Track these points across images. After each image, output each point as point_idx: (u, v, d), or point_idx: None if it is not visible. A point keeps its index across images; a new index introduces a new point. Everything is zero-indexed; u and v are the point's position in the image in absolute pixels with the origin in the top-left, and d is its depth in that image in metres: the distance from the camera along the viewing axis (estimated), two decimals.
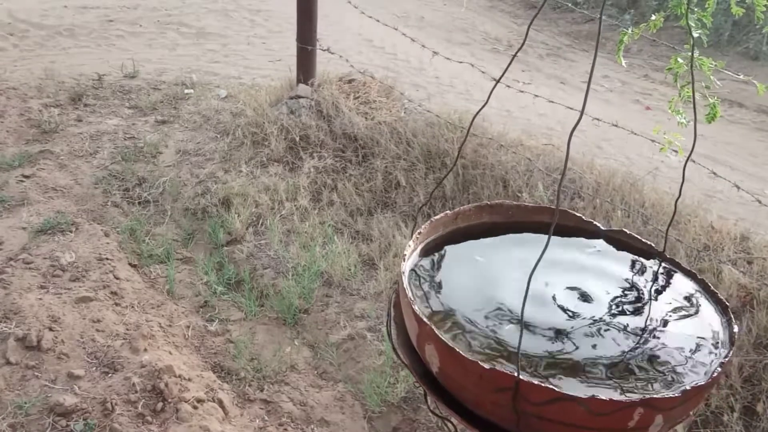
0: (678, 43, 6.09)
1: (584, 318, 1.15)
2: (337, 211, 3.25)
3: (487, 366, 0.95)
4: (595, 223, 1.35)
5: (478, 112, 1.17)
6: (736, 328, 1.09)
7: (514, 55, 1.07)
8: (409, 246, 1.23)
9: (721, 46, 6.52)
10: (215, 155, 3.67)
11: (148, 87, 4.50)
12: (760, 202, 2.64)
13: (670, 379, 1.04)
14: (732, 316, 1.11)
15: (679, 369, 1.05)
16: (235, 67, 4.95)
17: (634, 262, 1.30)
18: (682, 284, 1.23)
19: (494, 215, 1.36)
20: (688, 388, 0.95)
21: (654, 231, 2.72)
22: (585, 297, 1.20)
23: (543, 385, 0.93)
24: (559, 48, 6.86)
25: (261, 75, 4.71)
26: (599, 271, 1.28)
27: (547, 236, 0.95)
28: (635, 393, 1.00)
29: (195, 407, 2.14)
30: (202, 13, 6.10)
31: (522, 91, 3.05)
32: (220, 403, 2.24)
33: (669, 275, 1.25)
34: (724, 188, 2.84)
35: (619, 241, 1.33)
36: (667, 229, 1.33)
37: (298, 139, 3.59)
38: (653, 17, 1.25)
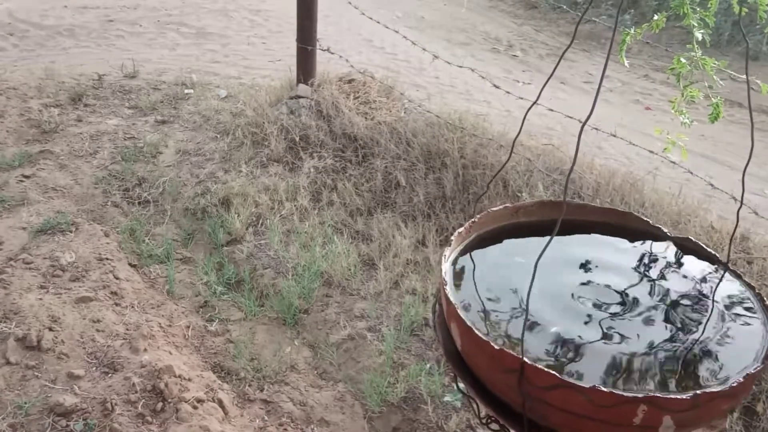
0: (678, 43, 6.10)
1: (638, 315, 1.16)
2: (337, 211, 3.25)
3: (496, 346, 0.97)
4: (662, 228, 1.35)
5: (526, 114, 1.17)
6: None
7: (561, 56, 1.07)
8: (459, 233, 1.24)
9: (721, 46, 6.53)
10: (215, 155, 3.67)
11: (148, 87, 4.49)
12: (757, 214, 2.64)
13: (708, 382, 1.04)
14: None
15: (717, 374, 1.05)
16: (235, 67, 4.95)
17: (696, 270, 1.30)
18: (738, 295, 1.23)
19: (556, 213, 1.35)
20: (699, 392, 0.93)
21: None
22: (633, 297, 1.21)
23: (546, 369, 0.93)
24: (560, 48, 6.86)
25: (261, 75, 4.71)
26: (660, 273, 1.29)
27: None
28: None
29: (195, 407, 2.14)
30: (202, 13, 6.10)
31: (521, 97, 3.05)
32: (220, 403, 2.24)
33: (729, 285, 1.26)
34: (724, 188, 2.83)
35: (685, 247, 1.33)
36: (731, 240, 1.34)
37: (297, 139, 3.59)
38: (655, 17, 1.25)
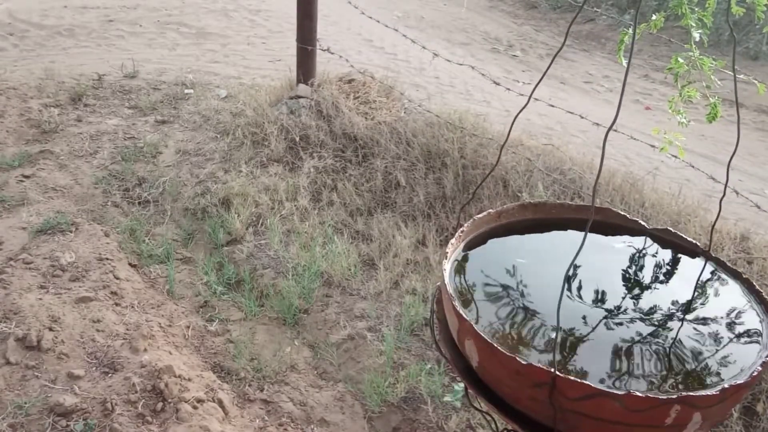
0: (679, 43, 6.10)
1: (626, 308, 1.16)
2: (337, 211, 3.25)
3: (524, 362, 0.97)
4: (640, 221, 1.36)
5: (514, 120, 1.17)
6: None
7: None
8: (452, 244, 1.24)
9: (720, 46, 6.53)
10: (215, 155, 3.67)
11: (148, 87, 4.50)
12: (759, 207, 2.65)
13: (708, 376, 1.04)
14: None
15: (717, 366, 1.06)
16: (235, 67, 4.95)
17: (678, 260, 1.31)
18: (726, 283, 1.24)
19: (537, 213, 1.38)
20: (726, 386, 0.94)
21: None
22: (630, 288, 1.21)
23: (579, 381, 0.93)
24: None
25: (261, 75, 4.71)
26: (640, 265, 1.29)
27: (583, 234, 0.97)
28: (672, 389, 1.00)
29: (195, 407, 2.14)
30: (202, 13, 6.10)
31: (521, 94, 3.05)
32: (220, 403, 2.24)
33: (714, 274, 1.26)
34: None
35: (664, 239, 1.34)
36: (712, 229, 1.34)
37: (298, 139, 3.59)
38: (654, 17, 1.25)
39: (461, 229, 1.29)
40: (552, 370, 0.94)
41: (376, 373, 2.45)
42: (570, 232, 1.37)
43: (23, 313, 2.37)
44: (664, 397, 0.91)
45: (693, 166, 2.85)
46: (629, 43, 1.19)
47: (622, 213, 1.37)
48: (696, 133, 4.67)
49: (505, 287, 1.22)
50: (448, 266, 1.20)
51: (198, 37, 5.58)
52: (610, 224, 1.38)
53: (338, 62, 4.01)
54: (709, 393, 0.93)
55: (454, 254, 1.27)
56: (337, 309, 2.78)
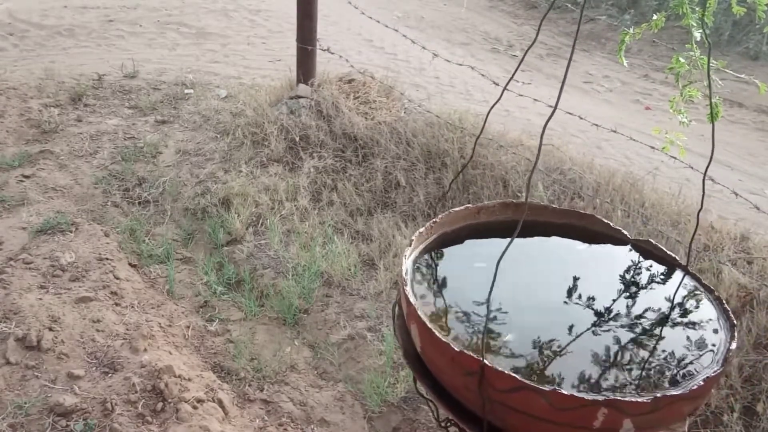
0: (678, 43, 6.10)
1: (601, 320, 1.16)
2: (337, 211, 3.25)
3: (457, 349, 0.96)
4: (622, 230, 1.35)
5: (489, 111, 1.17)
6: (733, 346, 1.08)
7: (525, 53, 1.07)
8: (420, 233, 1.24)
9: (721, 46, 6.53)
10: (215, 155, 3.67)
11: (148, 87, 4.49)
12: (758, 209, 2.65)
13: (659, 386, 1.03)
14: (735, 335, 1.10)
15: (673, 378, 1.05)
16: (235, 67, 4.95)
17: (656, 273, 1.30)
18: (699, 299, 1.23)
19: (519, 214, 1.35)
20: (659, 395, 0.93)
21: (654, 231, 2.72)
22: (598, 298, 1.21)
23: (506, 372, 0.92)
24: (559, 48, 6.87)
25: (261, 75, 4.71)
26: (616, 274, 1.28)
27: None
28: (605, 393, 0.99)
29: (195, 407, 2.14)
30: (202, 13, 6.10)
31: (521, 95, 3.05)
32: (220, 403, 2.24)
33: (688, 288, 1.26)
34: (724, 188, 2.84)
35: (645, 250, 1.33)
36: (691, 243, 1.34)
37: (297, 139, 3.59)
38: (654, 17, 1.25)
39: (433, 219, 1.28)
40: (480, 358, 0.93)
41: (376, 373, 2.45)
42: (553, 238, 1.36)
43: (23, 313, 2.37)
44: (590, 398, 0.90)
45: (692, 168, 2.85)
46: (629, 43, 1.19)
47: (605, 221, 1.36)
48: (696, 133, 4.67)
49: (468, 283, 1.21)
50: (409, 253, 1.20)
51: (198, 37, 5.58)
52: (593, 231, 1.36)
53: (338, 62, 4.00)
54: (638, 400, 0.92)
55: (423, 244, 1.26)
56: (337, 309, 2.78)
